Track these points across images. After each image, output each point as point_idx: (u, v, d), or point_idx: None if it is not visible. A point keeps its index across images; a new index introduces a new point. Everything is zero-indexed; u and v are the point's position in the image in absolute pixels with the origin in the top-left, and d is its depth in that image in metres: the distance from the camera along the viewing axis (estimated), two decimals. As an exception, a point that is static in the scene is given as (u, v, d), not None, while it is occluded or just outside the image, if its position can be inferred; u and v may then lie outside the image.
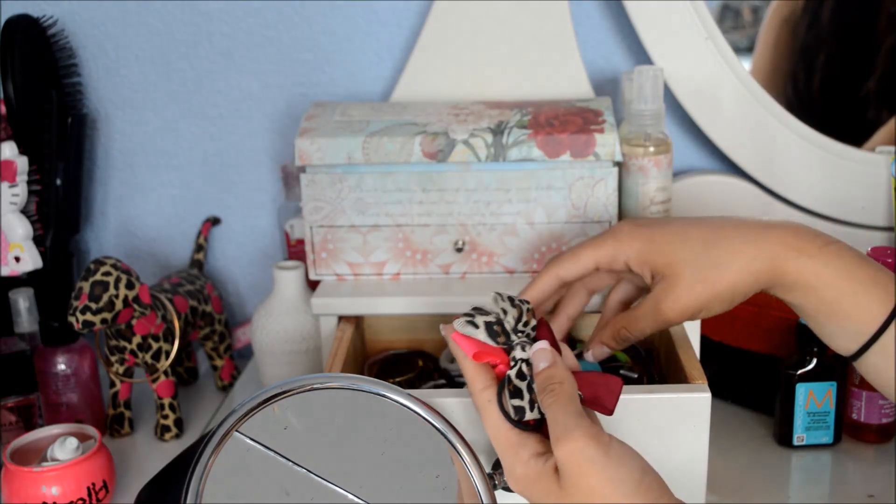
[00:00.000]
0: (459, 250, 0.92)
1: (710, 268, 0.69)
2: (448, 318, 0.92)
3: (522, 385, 0.62)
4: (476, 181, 0.90)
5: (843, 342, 0.69)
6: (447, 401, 0.71)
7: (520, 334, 0.64)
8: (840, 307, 0.68)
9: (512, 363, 0.63)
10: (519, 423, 0.61)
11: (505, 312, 0.65)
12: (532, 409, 0.61)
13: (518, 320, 0.64)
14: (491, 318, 0.64)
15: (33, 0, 1.07)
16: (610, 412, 0.63)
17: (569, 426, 0.58)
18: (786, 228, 0.69)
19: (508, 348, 0.64)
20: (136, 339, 0.92)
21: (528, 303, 0.66)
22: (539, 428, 0.62)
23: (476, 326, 0.64)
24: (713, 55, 0.99)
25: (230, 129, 1.11)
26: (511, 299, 0.65)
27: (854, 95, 1.06)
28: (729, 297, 0.70)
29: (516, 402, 0.62)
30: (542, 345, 0.63)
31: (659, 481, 0.58)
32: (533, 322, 0.65)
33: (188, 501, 0.61)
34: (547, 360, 0.62)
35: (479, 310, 0.65)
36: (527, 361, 0.63)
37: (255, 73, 1.09)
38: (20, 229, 1.01)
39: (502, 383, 0.63)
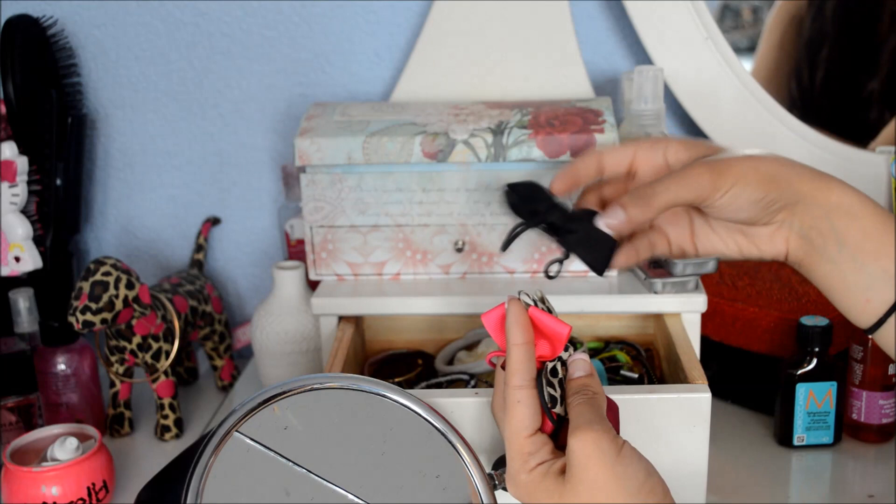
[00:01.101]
0: (459, 250, 0.92)
1: (732, 157, 0.65)
2: (448, 319, 0.94)
3: (554, 381, 0.64)
4: (476, 181, 0.90)
5: (881, 289, 0.63)
6: (447, 401, 0.71)
7: None
8: (886, 242, 0.62)
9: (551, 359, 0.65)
10: (548, 410, 0.62)
11: (550, 312, 0.66)
12: (561, 403, 0.63)
13: None
14: (545, 308, 0.65)
15: (33, 0, 1.07)
16: (617, 433, 0.64)
17: (592, 420, 0.60)
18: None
19: None
20: (136, 339, 0.92)
21: None
22: (556, 434, 0.63)
23: None
24: (713, 55, 0.99)
25: (230, 129, 1.11)
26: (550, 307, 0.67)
27: (857, 96, 1.06)
28: (736, 176, 0.64)
29: (550, 391, 0.63)
30: (583, 356, 0.65)
31: (662, 485, 0.59)
32: None
33: (188, 501, 0.61)
34: (585, 371, 0.64)
35: (525, 294, 0.65)
36: (563, 362, 0.65)
37: (255, 73, 1.09)
38: (20, 229, 1.01)
39: (541, 371, 0.64)
